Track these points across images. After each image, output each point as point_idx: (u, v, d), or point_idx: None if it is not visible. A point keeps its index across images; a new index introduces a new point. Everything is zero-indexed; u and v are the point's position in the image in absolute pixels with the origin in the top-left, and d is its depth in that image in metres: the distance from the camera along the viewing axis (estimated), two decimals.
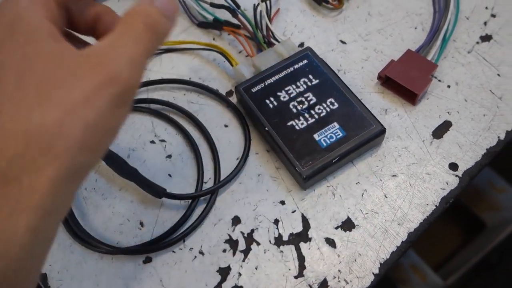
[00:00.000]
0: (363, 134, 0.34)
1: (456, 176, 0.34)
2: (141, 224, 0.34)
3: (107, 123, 0.20)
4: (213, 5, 0.41)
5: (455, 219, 0.87)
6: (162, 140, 0.38)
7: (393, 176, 0.35)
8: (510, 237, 0.77)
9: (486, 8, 0.43)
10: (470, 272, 0.79)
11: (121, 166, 0.35)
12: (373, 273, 0.31)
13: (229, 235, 0.34)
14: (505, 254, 0.78)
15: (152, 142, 0.38)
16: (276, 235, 0.33)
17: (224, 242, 0.33)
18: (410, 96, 0.37)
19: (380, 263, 0.32)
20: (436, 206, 0.34)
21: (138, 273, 0.32)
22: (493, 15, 0.42)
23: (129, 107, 0.22)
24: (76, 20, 0.25)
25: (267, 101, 0.36)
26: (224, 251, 0.33)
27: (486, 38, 0.41)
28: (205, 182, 0.36)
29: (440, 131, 0.36)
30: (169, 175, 0.36)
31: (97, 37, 0.26)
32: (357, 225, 0.33)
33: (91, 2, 0.26)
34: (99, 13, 0.25)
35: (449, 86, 0.39)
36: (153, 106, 0.39)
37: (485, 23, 0.42)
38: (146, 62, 0.22)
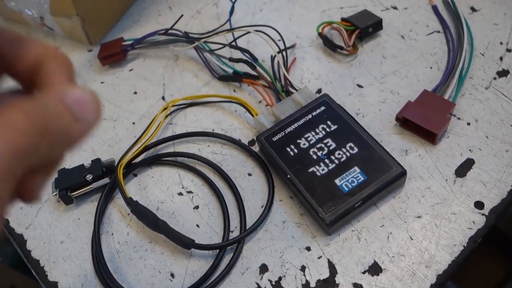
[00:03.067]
0: (384, 177, 0.35)
1: (483, 214, 0.34)
2: (172, 275, 0.35)
3: None
4: (232, 59, 0.44)
5: (496, 250, 0.84)
6: (189, 192, 0.39)
7: (418, 217, 0.35)
8: None
9: (501, 43, 0.43)
10: None
11: (150, 220, 0.36)
12: None
13: (257, 283, 0.34)
14: None
15: (180, 194, 0.39)
16: (304, 282, 0.34)
17: None
18: (430, 136, 0.38)
19: None
20: (464, 246, 0.33)
21: None
22: (508, 50, 0.43)
23: None
24: (8, 63, 0.20)
25: (288, 149, 0.37)
26: None
27: (503, 73, 0.41)
28: (232, 231, 0.37)
29: (463, 169, 0.36)
30: (197, 225, 0.37)
31: (37, 87, 0.20)
32: (384, 269, 0.33)
33: (29, 43, 0.20)
34: (40, 58, 0.20)
35: (468, 124, 0.39)
36: (179, 159, 0.41)
37: (501, 58, 0.42)
38: (18, 165, 0.16)
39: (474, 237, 0.33)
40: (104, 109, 0.46)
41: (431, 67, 0.43)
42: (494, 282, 0.82)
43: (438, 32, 0.45)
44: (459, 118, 0.39)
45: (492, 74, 0.41)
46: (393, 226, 0.35)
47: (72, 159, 0.43)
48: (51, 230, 0.39)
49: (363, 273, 0.33)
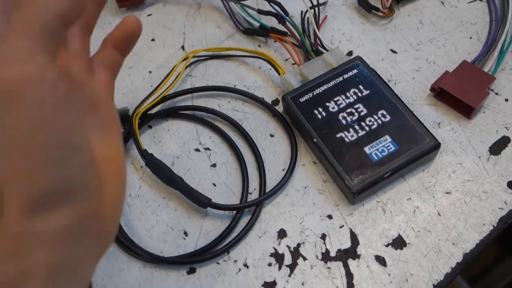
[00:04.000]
0: (417, 149, 0.33)
1: None
2: (185, 233, 0.34)
3: None
4: (260, 11, 0.41)
5: None
6: (207, 149, 0.37)
7: (447, 193, 0.33)
8: None
9: None
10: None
11: (165, 174, 0.35)
12: None
13: (274, 248, 0.33)
14: None
15: (197, 150, 0.37)
16: (324, 251, 0.32)
17: (270, 256, 0.32)
18: (466, 109, 0.36)
19: (433, 285, 0.30)
20: (493, 226, 0.32)
21: (181, 284, 0.32)
22: None
23: None
24: None
25: (315, 112, 0.35)
26: (270, 264, 0.32)
27: None
28: (250, 193, 0.35)
29: (498, 147, 0.35)
30: (214, 184, 0.36)
31: None
32: (408, 243, 0.32)
33: None
34: None
35: (506, 100, 0.37)
36: (197, 113, 0.39)
37: None
38: None
39: (505, 218, 0.32)
40: None
41: (470, 37, 0.40)
42: (487, 263, 0.83)
43: (481, 0, 0.43)
44: (497, 93, 0.37)
45: None
46: (421, 200, 0.33)
47: None
48: None
49: (386, 246, 0.32)
